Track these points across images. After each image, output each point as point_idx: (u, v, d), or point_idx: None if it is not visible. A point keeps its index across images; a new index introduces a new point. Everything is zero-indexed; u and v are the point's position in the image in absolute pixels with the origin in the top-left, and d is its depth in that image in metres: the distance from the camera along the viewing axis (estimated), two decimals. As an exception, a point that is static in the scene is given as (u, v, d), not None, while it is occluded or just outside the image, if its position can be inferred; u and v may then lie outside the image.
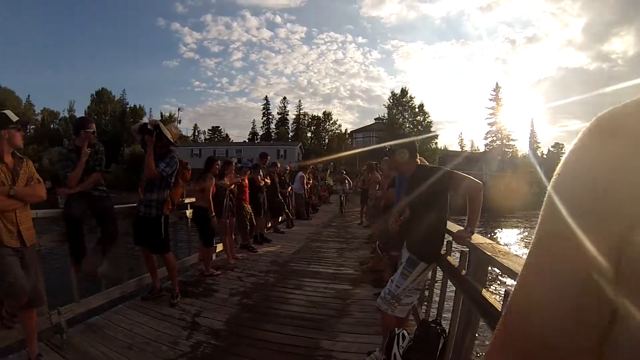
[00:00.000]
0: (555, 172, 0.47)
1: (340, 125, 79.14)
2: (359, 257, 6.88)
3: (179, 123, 56.07)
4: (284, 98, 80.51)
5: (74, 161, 3.76)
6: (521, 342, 0.47)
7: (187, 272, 5.80)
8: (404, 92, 57.33)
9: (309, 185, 13.53)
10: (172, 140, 4.25)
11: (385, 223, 5.01)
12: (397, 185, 4.62)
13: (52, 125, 67.90)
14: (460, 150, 66.50)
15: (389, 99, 58.28)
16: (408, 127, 54.73)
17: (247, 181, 7.19)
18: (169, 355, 3.16)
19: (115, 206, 4.23)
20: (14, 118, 2.89)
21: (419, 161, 3.10)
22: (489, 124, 57.06)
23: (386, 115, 59.62)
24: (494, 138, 56.53)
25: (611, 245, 0.40)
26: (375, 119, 67.14)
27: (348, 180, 16.70)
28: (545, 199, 0.47)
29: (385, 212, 5.32)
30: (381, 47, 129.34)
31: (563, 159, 0.47)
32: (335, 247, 8.17)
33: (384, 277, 4.83)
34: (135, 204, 4.47)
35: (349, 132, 73.50)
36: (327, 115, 78.75)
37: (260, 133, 77.99)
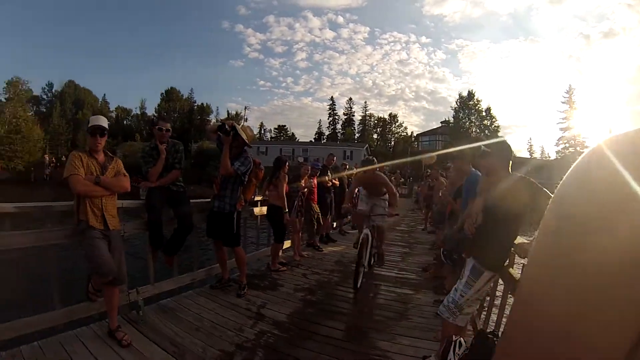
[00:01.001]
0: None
1: (405, 128, 77.85)
2: (421, 263, 6.77)
3: (246, 121, 57.34)
4: (350, 99, 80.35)
5: (155, 158, 4.12)
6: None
7: (254, 265, 6.02)
8: (470, 94, 55.89)
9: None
10: (247, 141, 4.42)
11: (451, 230, 4.93)
12: (465, 193, 4.53)
13: (125, 122, 72.98)
14: (529, 157, 60.91)
15: (455, 102, 56.78)
16: (475, 131, 52.79)
17: (315, 182, 7.33)
18: (234, 340, 3.35)
19: (190, 200, 4.53)
20: (91, 123, 3.24)
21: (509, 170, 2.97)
22: (562, 129, 52.76)
23: (452, 118, 57.98)
24: (567, 145, 51.92)
25: None
26: (441, 122, 65.26)
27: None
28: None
29: (451, 219, 5.22)
30: (445, 46, 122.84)
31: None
32: (398, 251, 8.08)
33: (445, 285, 4.76)
34: (209, 199, 4.71)
35: (414, 135, 72.34)
36: (393, 117, 77.84)
37: (327, 133, 78.32)
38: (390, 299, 4.72)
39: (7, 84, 52.64)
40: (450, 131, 54.35)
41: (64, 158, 51.20)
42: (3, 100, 51.10)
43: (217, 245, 4.73)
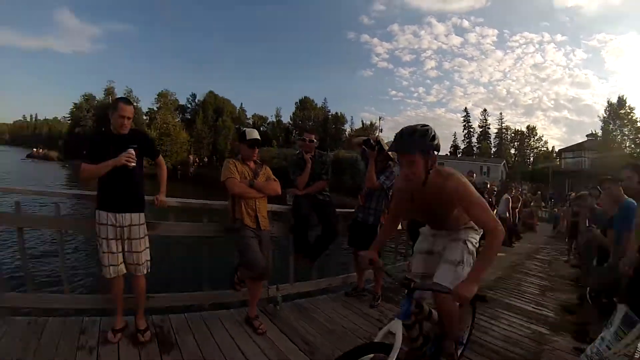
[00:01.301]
0: None
1: (546, 142, 71.13)
2: (562, 301, 6.06)
3: (381, 132, 57.89)
4: (484, 110, 76.62)
5: (301, 167, 4.48)
6: None
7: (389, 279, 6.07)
8: (621, 101, 47.78)
9: (516, 210, 12.40)
10: (391, 155, 4.49)
11: (601, 267, 4.44)
12: (618, 224, 4.02)
13: (261, 128, 77.56)
14: None
15: (604, 111, 49.38)
16: (629, 146, 45.45)
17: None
18: (362, 349, 3.49)
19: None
20: (249, 136, 3.69)
21: None
22: None
23: (600, 130, 50.30)
24: None
25: None
26: (587, 136, 55.94)
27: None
28: None
29: (600, 254, 4.70)
30: (585, 44, 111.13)
31: None
32: (537, 282, 7.40)
33: (589, 331, 4.28)
34: (353, 209, 4.93)
35: (556, 150, 65.75)
36: (531, 130, 71.74)
37: (462, 147, 75.72)
38: (524, 335, 4.34)
39: (158, 95, 64.08)
40: (598, 146, 47.24)
41: (205, 159, 58.75)
42: (155, 108, 60.93)
43: (357, 254, 4.84)
